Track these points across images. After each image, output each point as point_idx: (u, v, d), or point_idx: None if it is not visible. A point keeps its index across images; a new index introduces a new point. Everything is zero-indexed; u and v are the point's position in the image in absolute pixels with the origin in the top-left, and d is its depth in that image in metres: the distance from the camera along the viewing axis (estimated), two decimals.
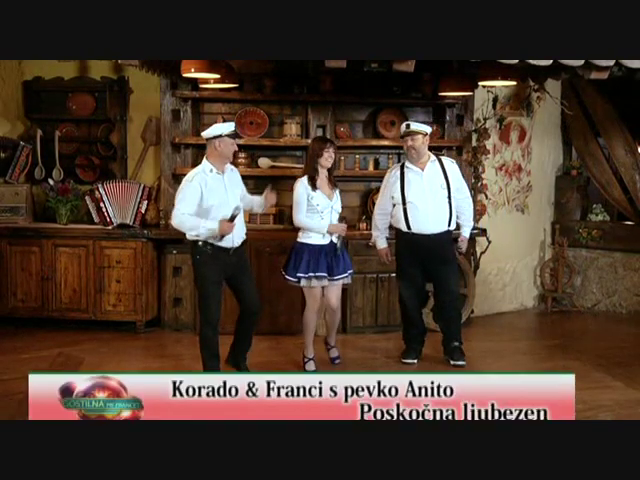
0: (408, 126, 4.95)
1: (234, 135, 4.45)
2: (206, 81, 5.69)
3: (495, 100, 6.64)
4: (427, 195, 4.93)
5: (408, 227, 4.96)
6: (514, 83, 5.62)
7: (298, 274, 4.79)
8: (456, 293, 5.30)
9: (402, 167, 5.03)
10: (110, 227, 6.02)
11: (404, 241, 5.03)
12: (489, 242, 6.39)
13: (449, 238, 5.13)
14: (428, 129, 4.99)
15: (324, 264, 4.78)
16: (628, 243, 6.96)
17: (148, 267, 5.96)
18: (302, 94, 6.16)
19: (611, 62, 4.42)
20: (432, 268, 5.05)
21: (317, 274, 4.77)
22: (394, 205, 5.03)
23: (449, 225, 5.03)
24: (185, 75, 5.16)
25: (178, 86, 6.05)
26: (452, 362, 5.12)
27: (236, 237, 4.48)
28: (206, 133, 4.44)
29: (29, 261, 5.97)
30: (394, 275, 5.93)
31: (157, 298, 6.11)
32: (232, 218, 4.32)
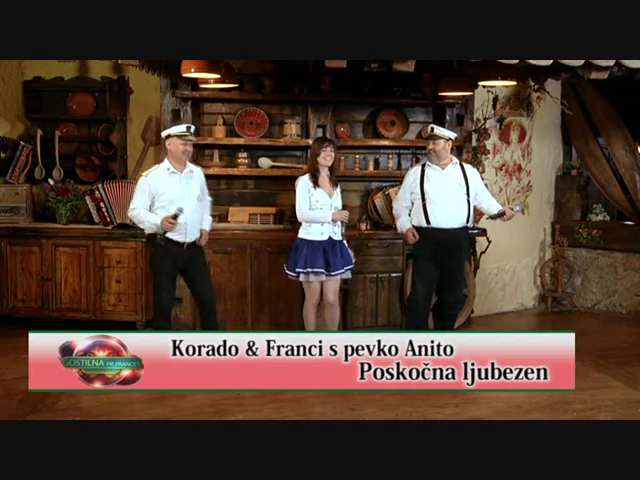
0: (432, 129, 5.07)
1: (183, 136, 4.72)
2: (206, 81, 5.68)
3: (495, 100, 6.65)
4: (446, 191, 5.01)
5: (427, 222, 5.03)
6: (514, 83, 5.61)
7: (297, 269, 4.97)
8: (462, 296, 5.48)
9: (423, 166, 5.14)
10: (110, 227, 6.02)
11: (423, 236, 5.08)
12: (489, 242, 6.39)
13: (466, 236, 5.27)
14: (452, 135, 5.09)
15: (322, 260, 4.93)
16: (628, 243, 6.96)
17: (148, 267, 5.95)
18: (302, 94, 6.16)
19: (611, 62, 4.41)
20: (447, 266, 5.09)
21: (314, 269, 4.93)
22: (413, 202, 5.12)
23: (467, 222, 5.11)
24: (185, 75, 5.16)
25: (178, 86, 6.04)
26: None
27: (189, 233, 4.79)
28: (162, 133, 4.88)
29: (29, 261, 5.97)
30: (394, 275, 5.98)
31: None
32: (174, 217, 4.65)
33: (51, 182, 6.24)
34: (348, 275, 5.14)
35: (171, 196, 4.70)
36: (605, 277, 7.15)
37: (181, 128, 4.77)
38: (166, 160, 4.80)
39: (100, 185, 6.11)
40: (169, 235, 4.71)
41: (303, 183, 5.03)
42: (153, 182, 4.71)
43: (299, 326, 5.85)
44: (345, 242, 5.15)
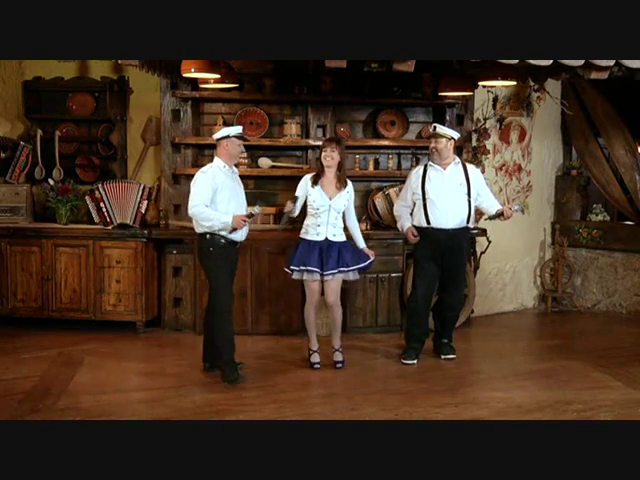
0: (434, 128, 5.11)
1: (241, 137, 4.78)
2: (206, 81, 5.69)
3: (495, 100, 6.65)
4: (446, 192, 5.04)
5: (428, 222, 5.06)
6: (514, 83, 5.61)
7: (291, 267, 4.97)
8: (462, 297, 5.53)
9: (425, 166, 5.17)
10: (110, 227, 6.02)
11: (424, 237, 5.12)
12: (489, 242, 6.40)
13: (467, 236, 5.30)
14: (454, 134, 5.12)
15: (316, 259, 4.90)
16: (628, 243, 6.96)
17: (148, 267, 5.96)
18: (302, 94, 6.16)
19: (611, 62, 4.42)
20: (447, 266, 5.13)
21: (308, 268, 4.89)
22: (415, 202, 5.15)
23: (467, 222, 5.13)
24: (185, 75, 5.16)
25: (178, 86, 6.05)
26: (443, 356, 5.30)
27: (244, 232, 4.79)
28: (216, 135, 4.78)
29: (29, 261, 5.96)
30: (394, 275, 5.98)
31: (157, 298, 6.11)
32: (249, 216, 4.69)
33: (51, 182, 6.24)
34: (349, 277, 5.03)
35: (228, 193, 4.68)
36: (605, 277, 7.15)
37: (239, 129, 4.80)
38: (217, 159, 4.74)
39: (100, 185, 6.11)
40: (230, 235, 4.66)
41: (303, 181, 5.03)
42: (214, 178, 4.64)
43: (299, 326, 5.86)
44: (360, 244, 5.10)
